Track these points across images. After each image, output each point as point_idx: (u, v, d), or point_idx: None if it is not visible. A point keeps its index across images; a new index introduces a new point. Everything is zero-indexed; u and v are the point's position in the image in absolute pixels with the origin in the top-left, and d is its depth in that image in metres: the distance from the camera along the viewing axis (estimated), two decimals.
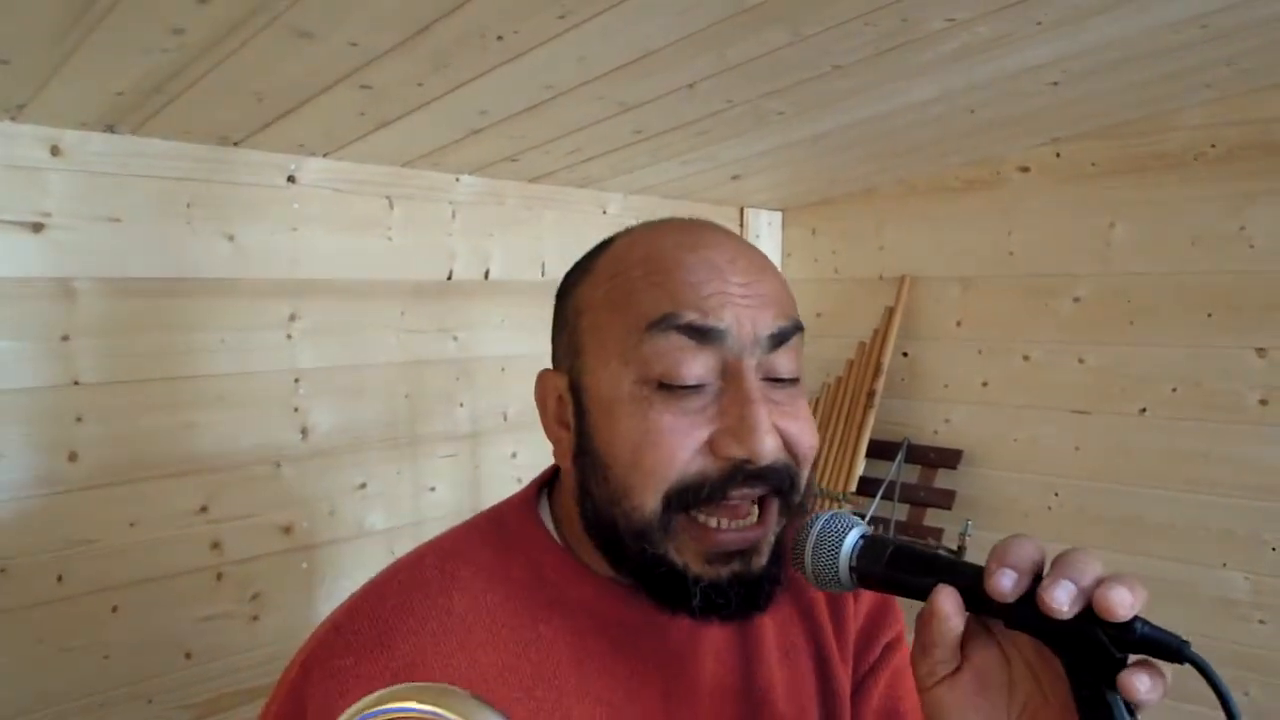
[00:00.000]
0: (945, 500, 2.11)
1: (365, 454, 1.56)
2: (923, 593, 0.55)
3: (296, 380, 1.45)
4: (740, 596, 0.62)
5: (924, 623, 0.55)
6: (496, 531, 0.71)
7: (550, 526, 0.71)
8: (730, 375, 0.61)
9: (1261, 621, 1.78)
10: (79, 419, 1.23)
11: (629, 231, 0.69)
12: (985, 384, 2.10)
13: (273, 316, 1.42)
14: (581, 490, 0.65)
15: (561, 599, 0.67)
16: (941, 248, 2.15)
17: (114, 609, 1.28)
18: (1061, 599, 0.49)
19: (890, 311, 2.20)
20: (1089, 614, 0.48)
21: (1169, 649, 0.47)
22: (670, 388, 0.60)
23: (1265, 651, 1.78)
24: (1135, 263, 1.88)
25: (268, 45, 0.97)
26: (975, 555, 2.02)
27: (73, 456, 1.23)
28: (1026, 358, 2.04)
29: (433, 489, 1.63)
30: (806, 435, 0.63)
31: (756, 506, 0.63)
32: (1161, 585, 1.88)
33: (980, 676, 0.56)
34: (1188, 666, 0.48)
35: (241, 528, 1.40)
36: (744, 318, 0.61)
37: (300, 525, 1.48)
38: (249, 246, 1.38)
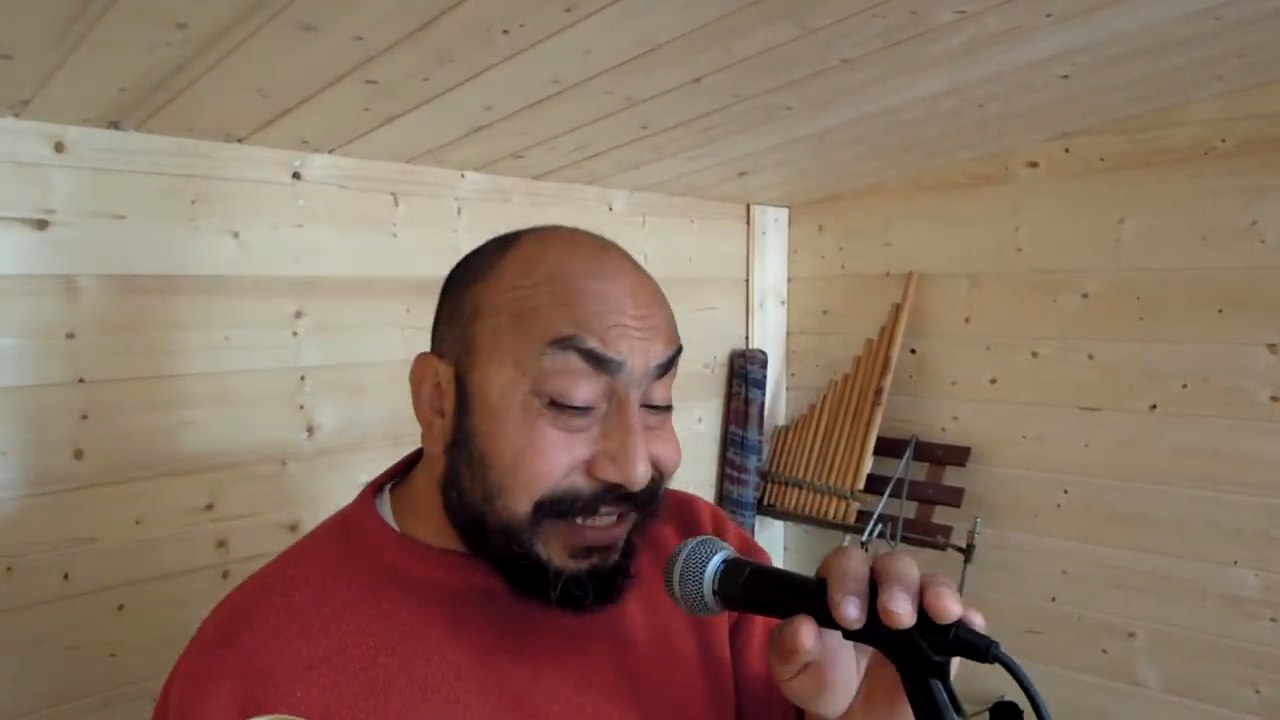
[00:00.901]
0: (954, 498, 2.10)
1: (370, 452, 1.55)
2: (779, 611, 0.61)
3: (302, 378, 1.45)
4: (596, 589, 0.67)
5: (784, 645, 0.59)
6: (340, 529, 0.76)
7: (389, 516, 0.75)
8: (616, 403, 0.66)
9: (1272, 619, 1.76)
10: (84, 417, 1.23)
11: (537, 237, 0.73)
12: (994, 381, 2.09)
13: (278, 314, 1.42)
14: (449, 478, 0.69)
15: (400, 578, 0.70)
16: (949, 244, 2.14)
17: (120, 607, 1.27)
18: (905, 610, 0.54)
19: (897, 308, 2.19)
20: (918, 622, 0.55)
21: (979, 650, 0.54)
22: (560, 406, 0.64)
23: (1276, 649, 1.76)
24: (1145, 258, 1.87)
25: (272, 39, 0.96)
26: (985, 552, 2.02)
27: (78, 454, 1.23)
28: (1035, 354, 2.03)
29: None
30: (672, 456, 0.70)
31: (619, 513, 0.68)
32: (1171, 583, 1.87)
33: (827, 670, 0.61)
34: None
35: (247, 526, 1.40)
36: (638, 349, 0.66)
37: (305, 523, 1.47)
38: (253, 243, 1.38)
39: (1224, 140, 1.77)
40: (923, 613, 0.55)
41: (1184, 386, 1.84)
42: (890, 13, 1.10)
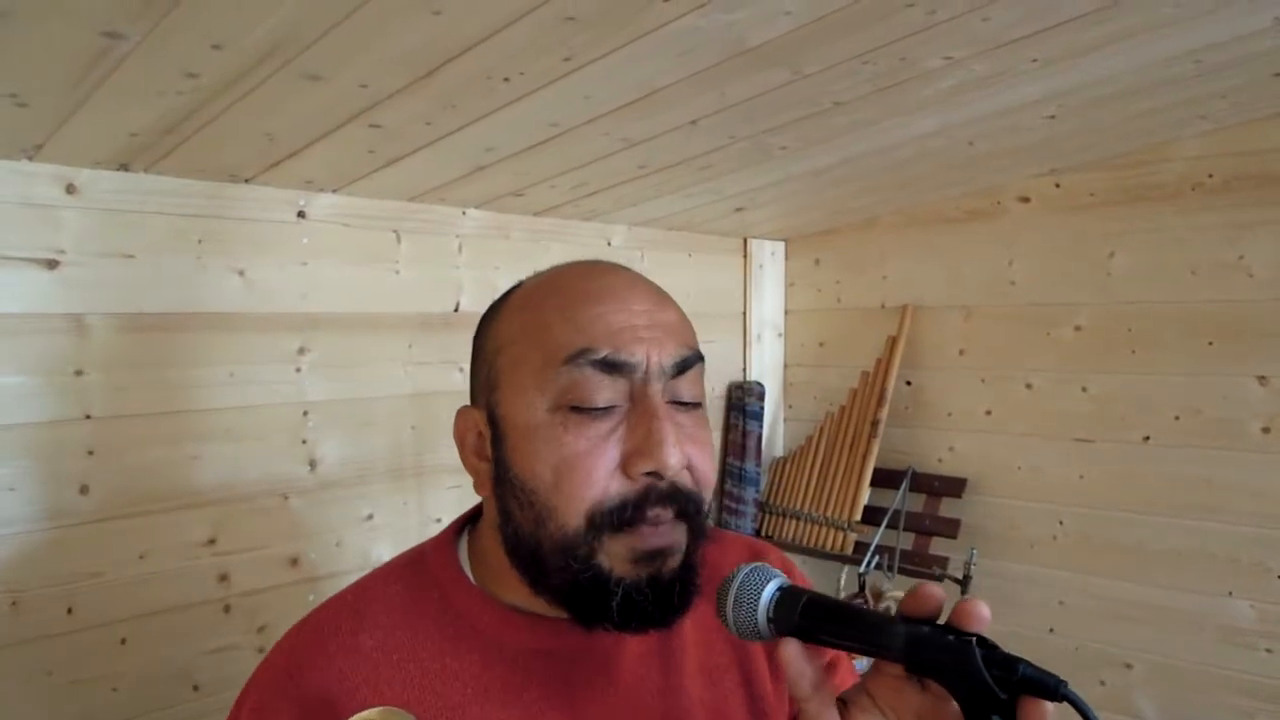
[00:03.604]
0: (950, 529, 2.11)
1: (372, 486, 1.57)
2: (835, 642, 0.60)
3: (305, 413, 1.47)
4: (657, 599, 0.66)
5: (785, 672, 0.60)
6: (414, 570, 0.76)
7: (465, 563, 0.75)
8: (637, 398, 0.67)
9: (1268, 650, 1.77)
10: (90, 452, 1.25)
11: (537, 274, 0.75)
12: (988, 412, 2.11)
13: (282, 350, 1.44)
14: (503, 516, 0.70)
15: (470, 632, 0.71)
16: (943, 277, 2.17)
17: (123, 641, 1.28)
18: (984, 612, 0.56)
19: (893, 340, 2.22)
20: (982, 656, 0.54)
21: (1047, 688, 0.52)
22: (582, 410, 0.65)
23: (1272, 680, 1.77)
24: (1135, 292, 1.90)
25: (279, 87, 0.99)
26: (981, 583, 2.03)
27: (84, 489, 1.24)
28: (1029, 386, 2.05)
29: (438, 520, 1.64)
30: (707, 462, 0.70)
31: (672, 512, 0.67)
32: (1167, 614, 1.88)
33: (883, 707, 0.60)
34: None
35: (249, 560, 1.41)
36: (651, 350, 0.67)
37: (307, 557, 1.48)
38: (259, 281, 1.40)
39: (1211, 176, 1.80)
40: (987, 647, 0.54)
41: (1176, 418, 1.86)
42: (880, 59, 1.13)
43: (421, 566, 0.75)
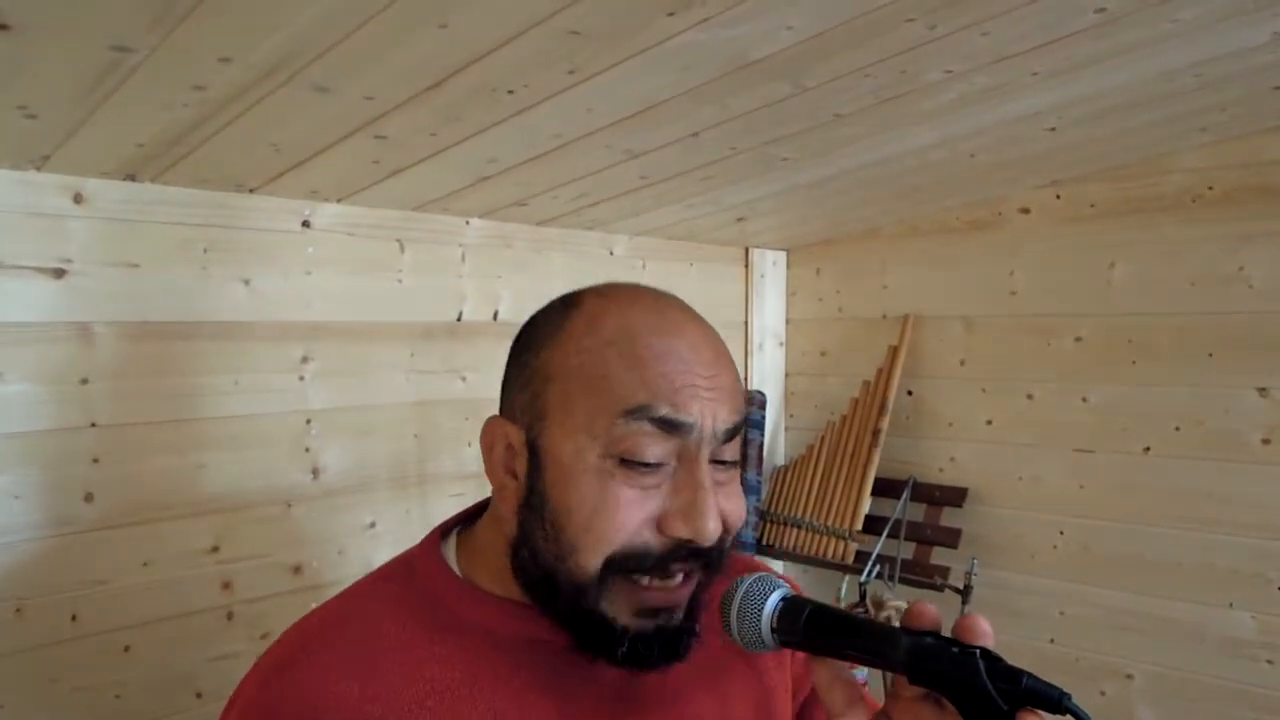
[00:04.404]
0: (951, 539, 2.11)
1: (375, 494, 1.58)
2: (839, 652, 0.61)
3: (308, 421, 1.48)
4: (662, 648, 0.68)
5: (818, 689, 0.62)
6: (403, 569, 0.77)
7: (453, 561, 0.77)
8: (686, 460, 0.67)
9: (1269, 661, 1.77)
10: (95, 460, 1.25)
11: (599, 295, 0.73)
12: (989, 422, 2.12)
13: (286, 359, 1.45)
14: (521, 536, 0.71)
15: (458, 621, 0.72)
16: (944, 287, 2.18)
17: (126, 648, 1.29)
18: (985, 627, 0.57)
19: (894, 350, 2.22)
20: (985, 669, 0.55)
21: (1050, 700, 0.53)
22: (632, 464, 0.66)
23: (1273, 692, 1.77)
24: (1136, 303, 1.90)
25: (286, 100, 1.00)
26: (982, 593, 2.03)
27: (89, 497, 1.25)
28: (1030, 396, 2.05)
29: None
30: (739, 512, 0.70)
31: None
32: (1167, 625, 1.88)
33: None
34: None
35: (252, 568, 1.42)
36: (707, 412, 0.67)
37: (310, 565, 1.49)
38: (263, 290, 1.41)
39: (1211, 188, 1.81)
40: (991, 660, 0.55)
41: (1177, 429, 1.86)
42: (881, 73, 1.14)
43: (410, 567, 0.77)
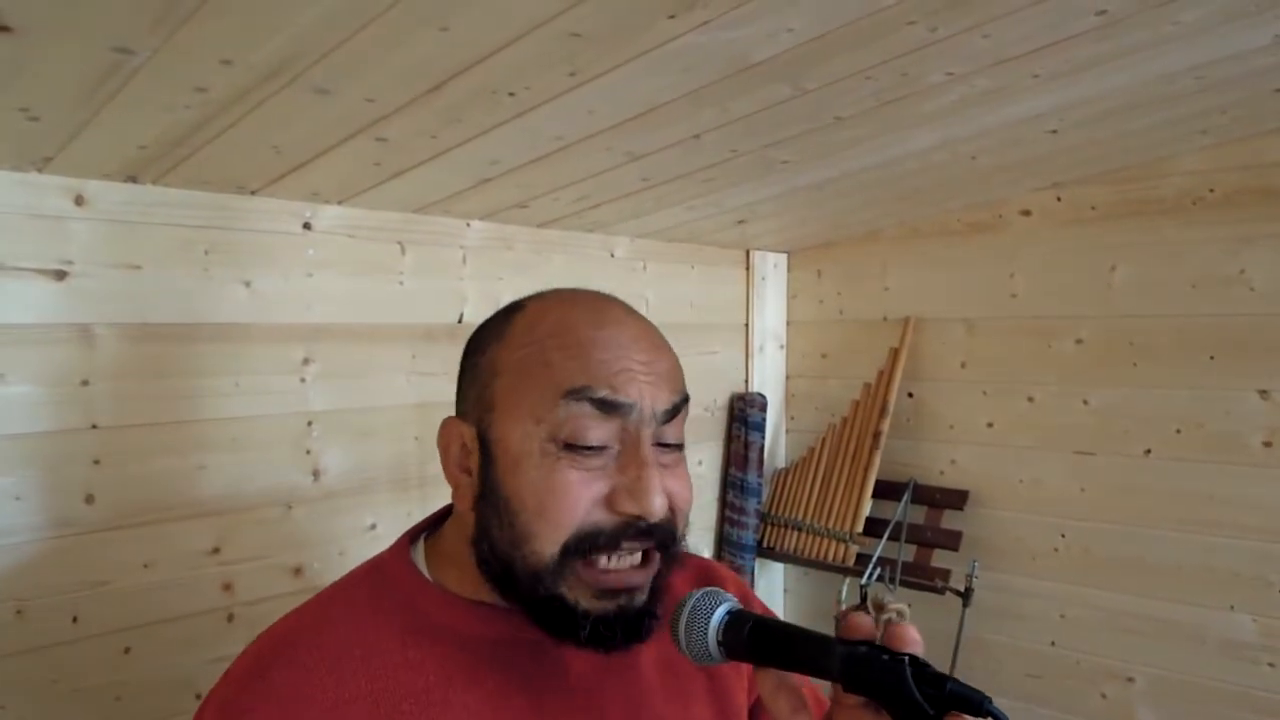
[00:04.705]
0: (952, 541, 2.11)
1: (375, 495, 1.58)
2: (780, 662, 0.63)
3: (309, 423, 1.48)
4: (624, 629, 0.70)
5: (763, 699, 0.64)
6: (374, 574, 0.79)
7: (422, 565, 0.78)
8: (629, 440, 0.70)
9: (1270, 664, 1.77)
10: (96, 462, 1.25)
11: (540, 297, 0.78)
12: (990, 425, 2.12)
13: (287, 360, 1.45)
14: (479, 531, 0.73)
15: (429, 625, 0.73)
16: (945, 290, 2.18)
17: (127, 650, 1.29)
18: (914, 635, 0.59)
19: (895, 353, 2.22)
20: (912, 675, 0.57)
21: (973, 704, 0.56)
22: (576, 447, 0.69)
23: (1274, 695, 1.77)
24: (1137, 305, 1.90)
25: (287, 102, 1.00)
26: (983, 595, 2.03)
27: (89, 499, 1.25)
28: (1031, 399, 2.05)
29: None
30: (685, 494, 0.74)
31: (640, 552, 0.71)
32: (1168, 627, 1.88)
33: None
34: None
35: (253, 569, 1.42)
36: (646, 393, 0.70)
37: (311, 566, 1.49)
38: (265, 292, 1.41)
39: (1212, 190, 1.81)
40: (919, 666, 0.57)
41: (1178, 431, 1.86)
42: (881, 75, 1.14)
43: (380, 572, 0.79)
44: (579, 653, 0.73)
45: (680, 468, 0.74)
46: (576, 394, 0.69)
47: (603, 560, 0.69)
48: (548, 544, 0.68)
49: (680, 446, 0.74)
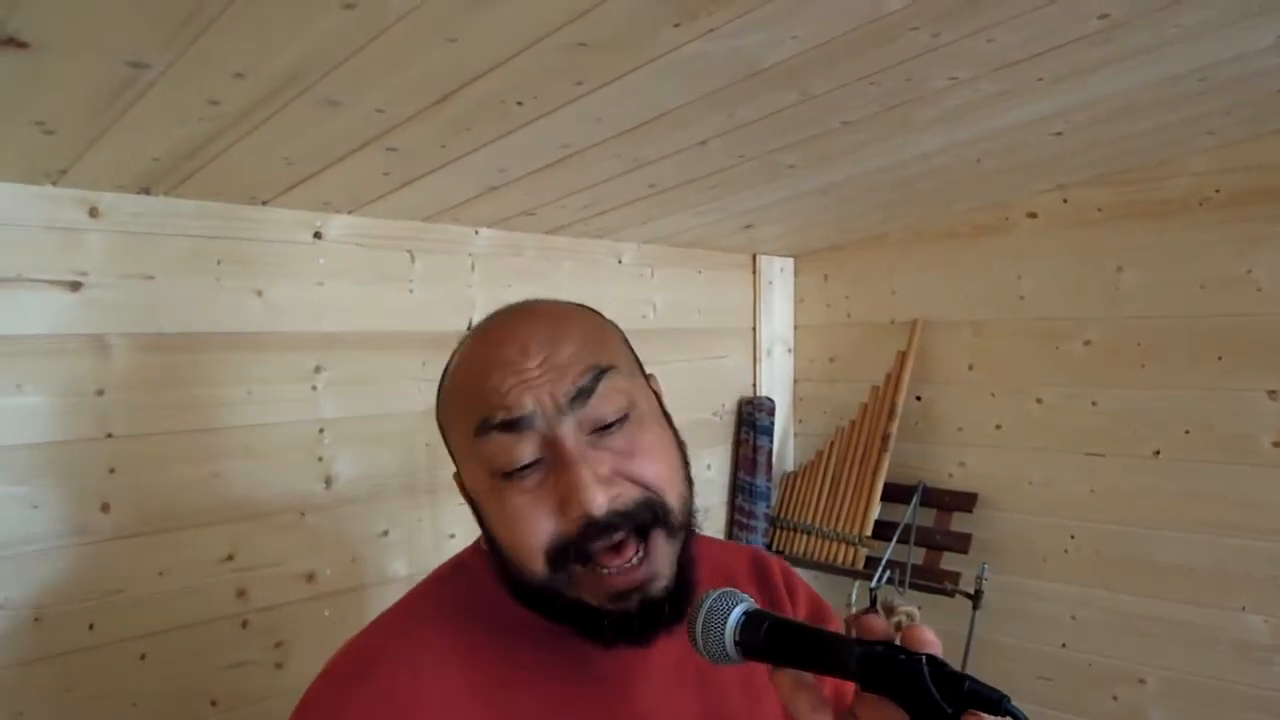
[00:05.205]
0: (961, 544, 2.11)
1: (387, 502, 1.59)
2: (797, 662, 0.63)
3: (321, 430, 1.49)
4: (644, 620, 0.70)
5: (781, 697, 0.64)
6: (460, 573, 0.81)
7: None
8: (552, 446, 0.69)
9: None
10: (111, 470, 1.27)
11: (460, 343, 0.79)
12: (999, 427, 2.12)
13: (298, 369, 1.46)
14: (498, 562, 0.75)
15: (516, 619, 0.75)
16: (952, 292, 2.18)
17: (142, 657, 1.30)
18: (932, 636, 0.59)
19: (902, 355, 2.23)
20: (930, 674, 0.57)
21: (991, 702, 0.55)
22: (509, 474, 0.70)
23: None
24: (1144, 306, 1.91)
25: (298, 114, 1.01)
26: (994, 598, 2.03)
27: (105, 507, 1.26)
28: (1039, 401, 2.05)
29: (452, 536, 1.66)
30: (649, 466, 0.71)
31: (642, 542, 0.71)
32: (1180, 629, 1.87)
33: None
34: None
35: (266, 576, 1.43)
36: (543, 394, 0.69)
37: (323, 573, 1.50)
38: (276, 301, 1.43)
39: (1218, 191, 1.81)
40: (936, 665, 0.57)
41: (1187, 432, 1.86)
42: (886, 80, 1.15)
43: (466, 571, 0.81)
44: (656, 654, 0.75)
45: (636, 440, 0.71)
46: (483, 428, 0.70)
47: (602, 567, 0.70)
48: (534, 564, 0.70)
49: (624, 419, 0.71)
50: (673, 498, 0.72)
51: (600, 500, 0.67)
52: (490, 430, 0.69)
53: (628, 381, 0.74)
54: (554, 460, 0.69)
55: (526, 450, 0.69)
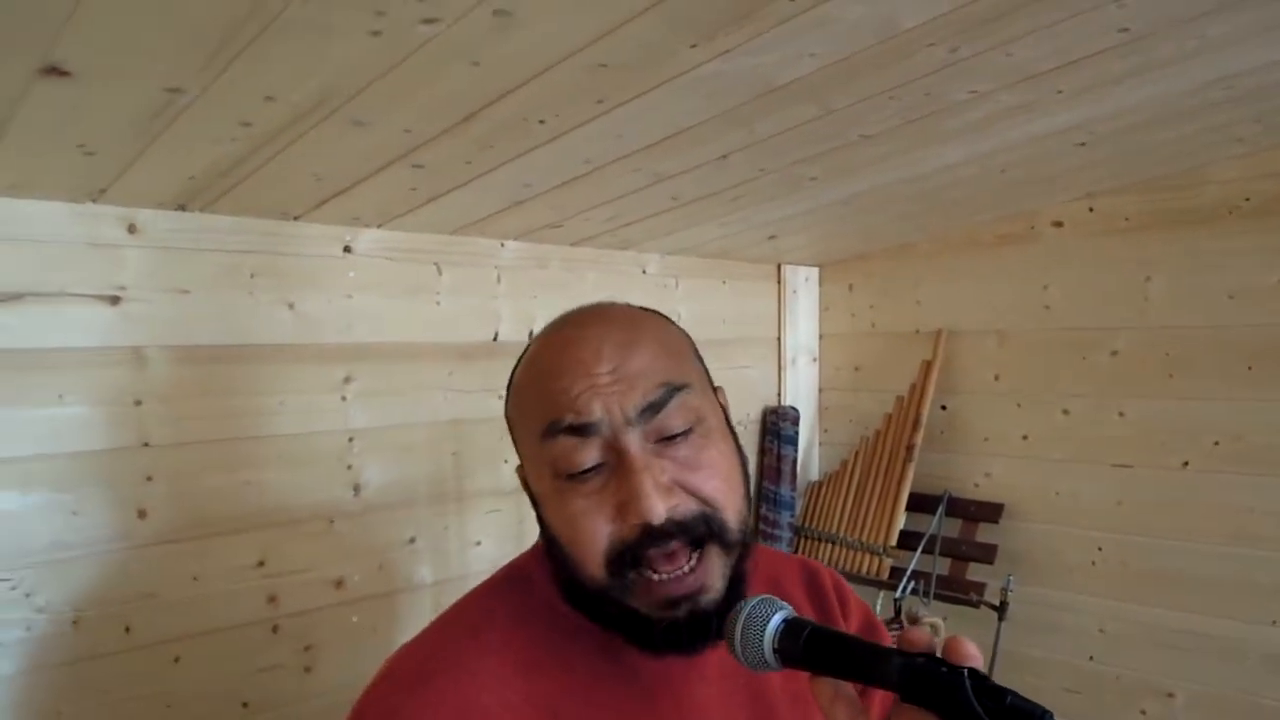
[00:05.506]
0: (987, 554, 2.10)
1: (414, 510, 1.62)
2: (837, 671, 0.63)
3: (350, 440, 1.52)
4: (693, 630, 0.71)
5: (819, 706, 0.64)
6: (516, 579, 0.82)
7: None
8: (617, 452, 0.70)
9: None
10: (149, 478, 1.31)
11: (538, 336, 0.79)
12: (1025, 437, 2.11)
13: (329, 379, 1.50)
14: (556, 564, 0.76)
15: (573, 626, 0.76)
16: (977, 302, 2.17)
17: (176, 660, 1.34)
18: (973, 650, 0.59)
19: (928, 365, 2.22)
20: (972, 687, 0.56)
21: (1033, 717, 0.54)
22: (573, 476, 0.71)
23: None
24: (1172, 316, 1.89)
25: (327, 133, 1.04)
26: (1020, 609, 2.02)
27: (142, 514, 1.30)
28: (1066, 411, 2.04)
29: (478, 543, 1.68)
30: (709, 481, 0.72)
31: (696, 552, 0.71)
32: (1208, 642, 1.85)
33: None
34: None
35: (296, 582, 1.46)
36: (612, 403, 0.70)
37: (351, 579, 1.53)
38: (308, 314, 1.46)
39: (1247, 199, 1.79)
40: (978, 679, 0.57)
41: (1216, 443, 1.84)
42: (905, 94, 1.16)
43: (522, 578, 0.82)
44: (709, 666, 0.75)
45: (701, 454, 0.72)
46: (550, 430, 0.71)
47: (654, 574, 0.70)
48: (592, 567, 0.70)
49: (690, 431, 0.72)
50: (730, 514, 0.72)
51: (659, 509, 0.68)
52: (558, 433, 0.71)
53: (699, 399, 0.74)
54: (617, 465, 0.70)
55: (591, 454, 0.70)
